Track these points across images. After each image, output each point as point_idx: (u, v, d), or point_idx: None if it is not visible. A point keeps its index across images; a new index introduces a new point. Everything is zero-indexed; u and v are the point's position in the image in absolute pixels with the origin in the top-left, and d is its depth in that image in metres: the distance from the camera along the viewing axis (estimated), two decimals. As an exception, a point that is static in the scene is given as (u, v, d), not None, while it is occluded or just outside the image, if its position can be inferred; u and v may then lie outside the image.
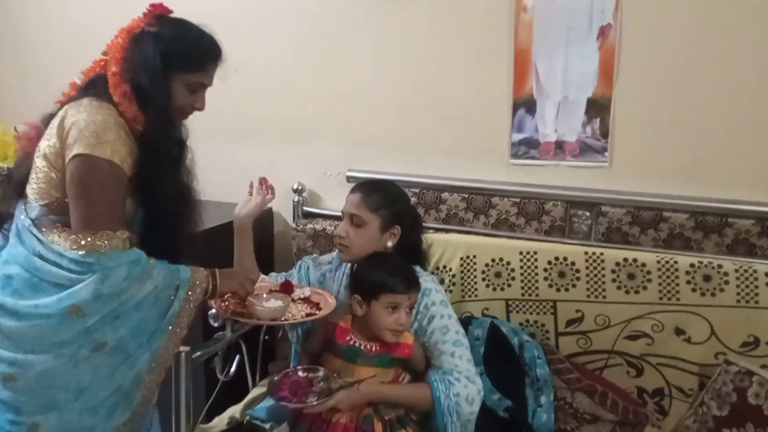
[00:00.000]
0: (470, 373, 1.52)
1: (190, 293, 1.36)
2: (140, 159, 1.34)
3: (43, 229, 1.30)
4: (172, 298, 1.34)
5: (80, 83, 1.44)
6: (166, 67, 1.36)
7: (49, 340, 1.26)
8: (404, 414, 1.53)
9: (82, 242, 1.25)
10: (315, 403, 1.41)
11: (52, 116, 1.39)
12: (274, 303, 1.53)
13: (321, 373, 1.51)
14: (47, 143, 1.33)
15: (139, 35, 1.38)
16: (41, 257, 1.28)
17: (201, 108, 1.46)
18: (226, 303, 1.57)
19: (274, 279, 1.79)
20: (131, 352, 1.31)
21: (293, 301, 1.60)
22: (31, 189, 1.35)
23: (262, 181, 1.77)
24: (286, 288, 1.64)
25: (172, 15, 1.45)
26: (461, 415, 1.47)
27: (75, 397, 1.28)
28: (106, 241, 1.25)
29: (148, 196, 1.37)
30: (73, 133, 1.29)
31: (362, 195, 1.63)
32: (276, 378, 1.51)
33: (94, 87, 1.39)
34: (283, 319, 1.51)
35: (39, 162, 1.34)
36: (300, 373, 1.51)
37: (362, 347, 1.53)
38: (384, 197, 1.63)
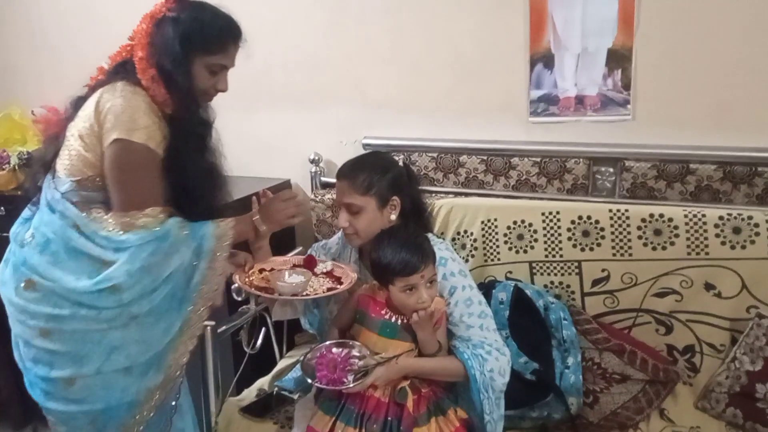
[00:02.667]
0: (499, 344, 1.51)
1: (212, 263, 1.41)
2: (169, 140, 1.40)
3: (78, 205, 1.36)
4: (195, 264, 1.40)
5: (107, 68, 1.48)
6: (187, 50, 1.39)
7: (86, 305, 1.32)
8: (444, 396, 1.52)
9: (117, 221, 1.32)
10: (353, 385, 1.40)
11: (81, 99, 1.44)
12: (296, 278, 1.52)
13: (356, 350, 1.47)
14: (83, 125, 1.37)
15: (161, 20, 1.41)
16: (76, 228, 1.34)
17: (224, 89, 1.50)
18: (250, 278, 1.57)
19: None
20: (163, 318, 1.38)
21: (315, 275, 1.59)
22: (62, 165, 1.40)
23: (263, 193, 1.67)
24: (310, 263, 1.63)
25: None
26: (495, 389, 1.47)
27: (107, 354, 1.35)
28: (139, 219, 1.32)
29: (176, 175, 1.41)
30: (110, 118, 1.34)
31: (349, 181, 1.56)
32: (310, 358, 1.47)
33: (124, 71, 1.43)
34: (304, 294, 1.51)
35: (73, 142, 1.39)
36: (334, 350, 1.46)
37: (399, 322, 1.49)
38: (371, 174, 1.56)
